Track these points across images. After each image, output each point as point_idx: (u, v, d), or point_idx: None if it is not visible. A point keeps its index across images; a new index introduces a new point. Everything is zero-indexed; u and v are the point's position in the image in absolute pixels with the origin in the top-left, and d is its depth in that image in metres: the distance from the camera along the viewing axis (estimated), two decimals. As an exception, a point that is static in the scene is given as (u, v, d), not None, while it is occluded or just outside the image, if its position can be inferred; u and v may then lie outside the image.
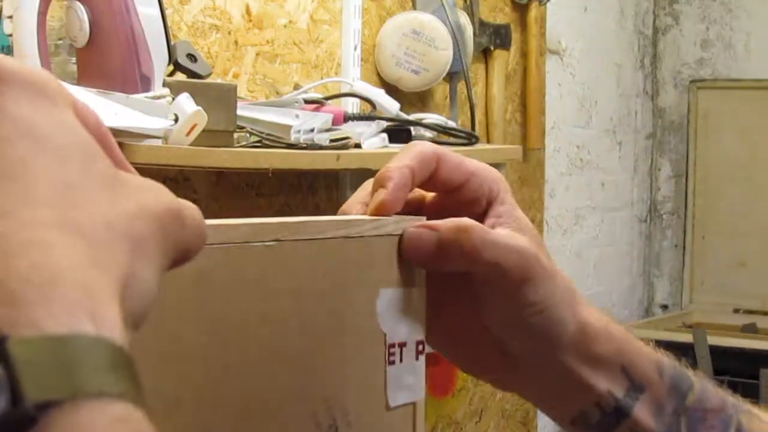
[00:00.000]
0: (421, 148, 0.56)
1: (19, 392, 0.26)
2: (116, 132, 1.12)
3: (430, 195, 0.59)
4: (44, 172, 0.31)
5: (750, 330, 3.06)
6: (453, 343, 0.59)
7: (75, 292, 0.29)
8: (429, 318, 0.56)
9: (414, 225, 0.54)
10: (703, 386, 0.60)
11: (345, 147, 1.48)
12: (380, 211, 0.54)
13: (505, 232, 0.55)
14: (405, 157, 0.55)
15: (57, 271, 0.29)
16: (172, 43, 1.31)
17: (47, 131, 0.32)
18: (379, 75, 2.00)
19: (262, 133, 1.40)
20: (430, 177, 0.56)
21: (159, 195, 0.35)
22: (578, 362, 0.57)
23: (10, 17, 1.20)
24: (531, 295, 0.54)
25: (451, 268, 0.54)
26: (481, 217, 0.56)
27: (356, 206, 0.56)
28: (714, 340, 2.74)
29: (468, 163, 0.57)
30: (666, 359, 0.59)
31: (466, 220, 0.54)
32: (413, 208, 0.57)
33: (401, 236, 0.54)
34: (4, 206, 0.30)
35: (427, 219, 0.55)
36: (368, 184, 0.56)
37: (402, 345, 0.54)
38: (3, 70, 0.33)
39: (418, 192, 0.58)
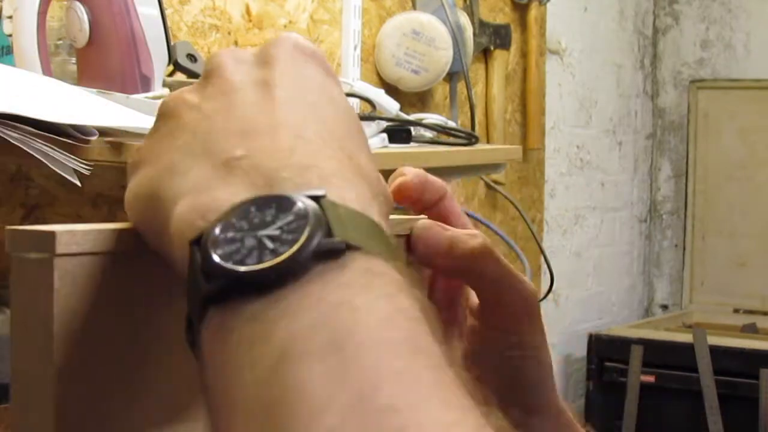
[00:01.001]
0: (435, 177, 0.54)
1: (331, 232, 0.36)
2: (117, 132, 1.12)
3: None
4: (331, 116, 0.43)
5: (750, 330, 3.06)
6: None
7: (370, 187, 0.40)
8: None
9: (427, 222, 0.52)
10: None
11: (345, 147, 1.48)
12: (403, 191, 0.52)
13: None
14: (420, 169, 0.53)
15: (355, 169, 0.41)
16: (172, 43, 1.31)
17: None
18: (379, 75, 2.00)
19: (262, 133, 1.40)
20: (434, 206, 0.54)
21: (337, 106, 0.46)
22: None
23: (10, 17, 1.20)
24: (526, 332, 0.52)
25: (458, 266, 0.50)
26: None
27: None
28: (714, 340, 2.74)
29: (467, 220, 0.54)
30: None
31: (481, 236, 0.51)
32: None
33: (410, 231, 0.51)
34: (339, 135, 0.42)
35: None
36: None
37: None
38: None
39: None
